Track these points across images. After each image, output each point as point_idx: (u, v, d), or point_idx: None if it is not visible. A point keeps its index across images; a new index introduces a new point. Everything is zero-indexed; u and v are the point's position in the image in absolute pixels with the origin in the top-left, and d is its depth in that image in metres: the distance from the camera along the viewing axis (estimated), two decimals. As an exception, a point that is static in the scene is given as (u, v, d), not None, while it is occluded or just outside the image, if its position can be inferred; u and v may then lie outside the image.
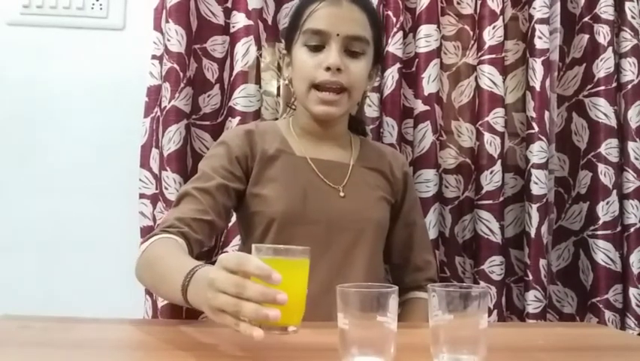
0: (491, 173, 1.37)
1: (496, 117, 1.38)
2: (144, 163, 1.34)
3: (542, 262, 1.34)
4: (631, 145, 1.39)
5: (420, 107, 1.37)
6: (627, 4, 1.42)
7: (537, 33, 1.38)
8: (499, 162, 1.37)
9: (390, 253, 1.13)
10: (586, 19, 1.44)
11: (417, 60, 1.38)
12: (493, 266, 1.35)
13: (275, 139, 1.04)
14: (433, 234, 1.33)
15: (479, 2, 1.41)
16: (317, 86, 0.98)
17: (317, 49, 0.97)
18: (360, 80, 1.02)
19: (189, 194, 0.94)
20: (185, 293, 0.69)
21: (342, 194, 1.02)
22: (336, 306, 0.61)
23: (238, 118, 1.30)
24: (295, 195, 0.99)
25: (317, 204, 0.99)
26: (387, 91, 1.37)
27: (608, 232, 1.37)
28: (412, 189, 1.16)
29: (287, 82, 1.05)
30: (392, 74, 1.36)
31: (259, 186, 1.00)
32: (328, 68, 0.95)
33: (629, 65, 1.41)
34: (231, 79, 1.33)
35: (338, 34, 0.96)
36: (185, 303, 0.70)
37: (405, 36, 1.40)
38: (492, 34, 1.38)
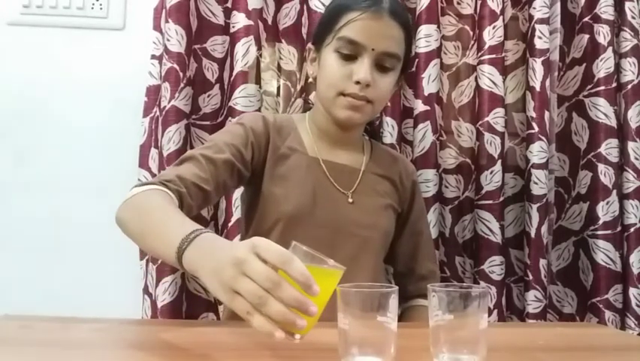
0: (491, 173, 1.37)
1: (496, 117, 1.38)
2: (143, 163, 1.34)
3: (542, 262, 1.34)
4: (631, 145, 1.39)
5: (420, 107, 1.37)
6: (627, 4, 1.42)
7: (537, 33, 1.38)
8: (499, 162, 1.37)
9: (395, 262, 1.13)
10: (586, 19, 1.44)
11: (417, 60, 1.38)
12: (493, 266, 1.35)
13: (290, 135, 1.03)
14: (433, 234, 1.33)
15: (479, 2, 1.41)
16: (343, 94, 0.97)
17: (348, 58, 0.95)
18: (386, 94, 1.01)
19: (195, 158, 0.91)
20: (182, 253, 0.66)
21: (350, 200, 1.01)
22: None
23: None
24: (304, 197, 0.97)
25: (325, 208, 0.98)
26: (387, 91, 1.37)
27: (608, 232, 1.37)
28: (420, 198, 1.15)
29: (311, 79, 1.03)
30: (392, 74, 1.37)
31: (269, 182, 0.98)
32: (358, 82, 0.94)
33: (629, 65, 1.41)
34: (231, 79, 1.33)
35: (373, 49, 0.94)
36: (176, 262, 0.67)
37: (405, 36, 1.40)
38: (492, 34, 1.38)
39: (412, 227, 1.12)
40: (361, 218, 1.00)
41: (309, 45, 1.05)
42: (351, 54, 0.95)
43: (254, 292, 0.56)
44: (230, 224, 1.30)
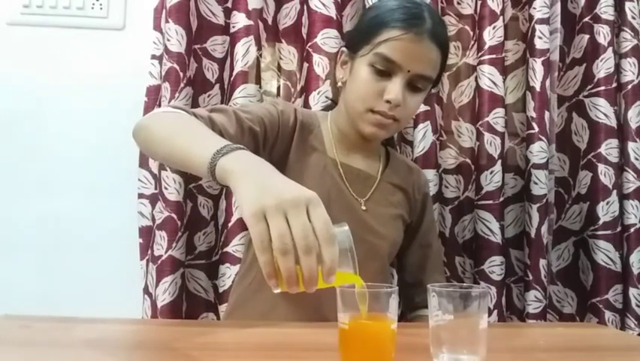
0: (491, 173, 1.37)
1: (496, 117, 1.38)
2: (143, 163, 1.34)
3: (542, 262, 1.34)
4: (631, 145, 1.39)
5: (420, 107, 1.37)
6: (627, 5, 1.42)
7: (537, 33, 1.38)
8: (499, 162, 1.37)
9: (404, 273, 1.13)
10: (586, 19, 1.44)
11: (417, 60, 1.38)
12: (493, 266, 1.35)
13: (312, 133, 1.02)
14: (433, 234, 1.34)
15: (479, 2, 1.41)
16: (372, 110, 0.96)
17: (382, 74, 0.94)
18: (414, 113, 1.02)
19: (227, 112, 0.89)
20: (222, 154, 0.64)
21: (364, 208, 1.00)
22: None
23: (238, 118, 1.30)
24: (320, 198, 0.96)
25: (339, 211, 0.96)
26: (387, 91, 1.37)
27: (608, 232, 1.37)
28: (430, 211, 1.15)
29: (339, 83, 1.03)
30: (392, 74, 1.36)
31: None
32: (388, 101, 0.93)
33: (629, 65, 1.41)
34: (231, 79, 1.33)
35: (409, 71, 0.93)
36: (207, 161, 0.65)
37: (405, 36, 1.40)
38: (492, 35, 1.38)
39: (421, 239, 1.11)
40: (373, 226, 1.00)
41: (342, 48, 1.03)
42: (385, 70, 0.93)
43: (283, 237, 0.55)
44: (230, 224, 1.30)
